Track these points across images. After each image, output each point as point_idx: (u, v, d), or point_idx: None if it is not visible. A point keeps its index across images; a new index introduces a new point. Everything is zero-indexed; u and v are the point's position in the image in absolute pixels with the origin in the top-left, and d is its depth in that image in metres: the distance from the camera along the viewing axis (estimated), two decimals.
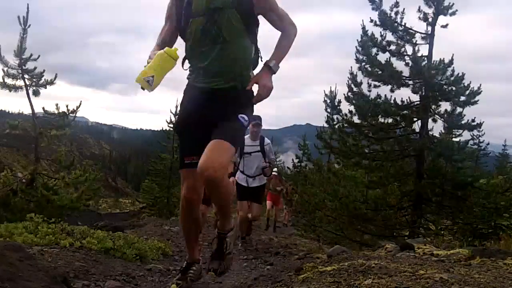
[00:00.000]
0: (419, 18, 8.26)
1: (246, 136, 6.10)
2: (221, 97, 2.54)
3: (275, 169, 11.70)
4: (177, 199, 19.62)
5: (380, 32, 8.44)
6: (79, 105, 11.53)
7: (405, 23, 8.29)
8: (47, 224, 4.43)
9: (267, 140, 6.41)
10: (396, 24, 8.29)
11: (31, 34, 10.87)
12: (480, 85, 8.19)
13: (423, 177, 8.24)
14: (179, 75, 2.69)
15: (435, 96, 8.30)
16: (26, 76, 10.93)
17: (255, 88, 2.53)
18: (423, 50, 8.30)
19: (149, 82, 2.26)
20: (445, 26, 8.16)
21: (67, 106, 11.42)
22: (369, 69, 8.52)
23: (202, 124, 2.55)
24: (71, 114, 11.37)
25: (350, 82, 8.75)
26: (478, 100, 8.09)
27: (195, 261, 2.95)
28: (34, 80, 11.05)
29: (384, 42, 8.43)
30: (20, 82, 10.92)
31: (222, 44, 2.44)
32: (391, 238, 7.63)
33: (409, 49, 8.40)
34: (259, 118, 6.24)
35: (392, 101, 8.41)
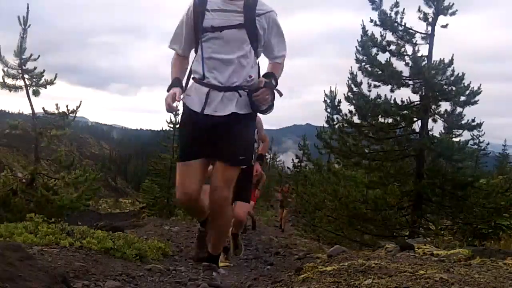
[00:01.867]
0: (419, 18, 8.26)
1: None
2: None
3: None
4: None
5: (380, 32, 8.45)
6: (79, 105, 11.52)
7: (405, 23, 8.30)
8: (47, 224, 4.44)
9: (266, 7, 2.51)
10: (396, 24, 8.28)
11: (31, 34, 10.91)
12: (480, 85, 8.19)
13: (423, 177, 8.23)
14: None
15: (435, 96, 8.30)
16: (26, 76, 10.92)
17: None
18: (423, 50, 8.31)
19: None
20: (445, 26, 8.16)
21: (67, 106, 11.41)
22: (369, 69, 8.51)
23: None
24: (71, 114, 11.36)
25: (350, 82, 8.75)
26: (478, 100, 8.09)
27: None
28: (34, 80, 11.04)
29: (384, 42, 8.42)
30: (20, 82, 10.92)
31: None
32: (391, 238, 7.63)
33: (409, 49, 8.40)
34: None
35: (392, 101, 8.40)
